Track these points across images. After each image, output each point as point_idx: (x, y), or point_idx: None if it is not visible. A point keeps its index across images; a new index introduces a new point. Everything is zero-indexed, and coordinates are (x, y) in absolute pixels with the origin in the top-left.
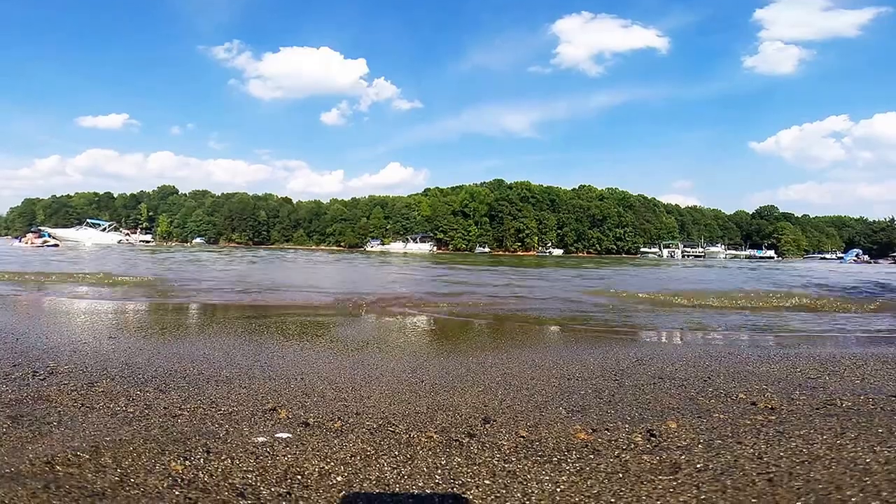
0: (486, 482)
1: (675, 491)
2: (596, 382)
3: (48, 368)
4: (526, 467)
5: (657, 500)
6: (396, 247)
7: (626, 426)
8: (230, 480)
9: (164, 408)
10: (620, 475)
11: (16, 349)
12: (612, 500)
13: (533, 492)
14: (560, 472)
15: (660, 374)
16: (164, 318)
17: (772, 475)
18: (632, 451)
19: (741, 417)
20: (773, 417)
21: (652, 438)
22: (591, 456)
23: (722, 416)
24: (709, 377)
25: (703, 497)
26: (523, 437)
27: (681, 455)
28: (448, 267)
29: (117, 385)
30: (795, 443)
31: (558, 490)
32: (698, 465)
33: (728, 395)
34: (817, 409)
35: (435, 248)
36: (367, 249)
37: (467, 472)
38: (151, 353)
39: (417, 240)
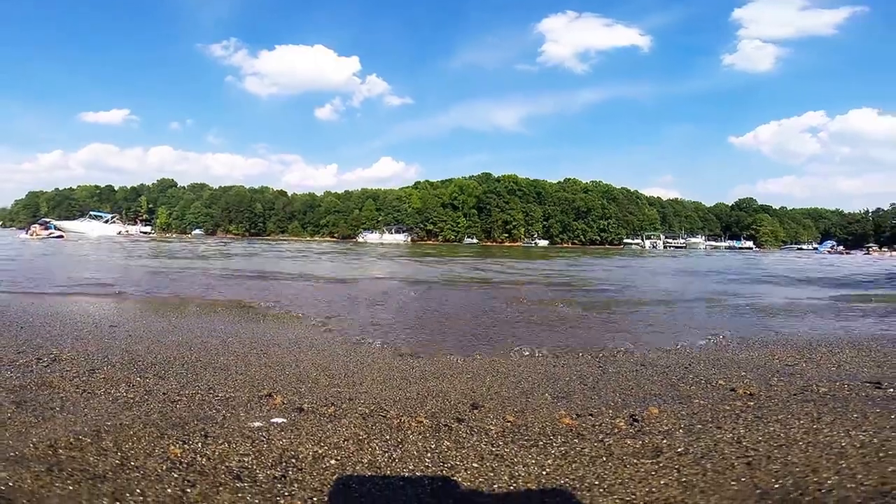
0: (475, 465)
1: (656, 474)
2: (580, 369)
3: (51, 356)
4: (513, 451)
5: (639, 482)
6: (373, 237)
7: (610, 411)
8: (227, 464)
9: (164, 393)
10: (604, 458)
11: (20, 337)
12: (596, 483)
13: (519, 474)
14: (546, 455)
15: (642, 361)
16: (162, 307)
17: (750, 458)
18: (615, 435)
19: (721, 403)
20: (752, 403)
21: (634, 423)
22: (576, 440)
23: (702, 401)
24: (689, 364)
25: (684, 480)
26: (510, 422)
27: (662, 439)
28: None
29: (118, 371)
30: (773, 427)
31: (544, 473)
32: (679, 449)
33: (708, 382)
34: (794, 394)
35: (410, 238)
36: (359, 241)
37: (456, 456)
38: (151, 342)
39: (393, 231)
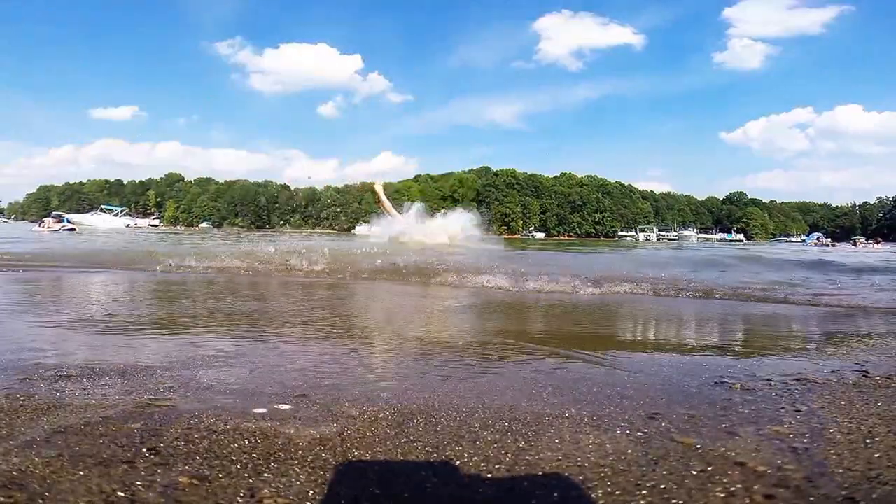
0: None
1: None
2: None
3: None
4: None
5: None
6: (362, 229)
7: None
8: (233, 446)
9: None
10: None
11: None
12: None
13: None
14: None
15: None
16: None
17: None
18: None
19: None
20: (749, 397)
21: None
22: None
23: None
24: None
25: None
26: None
27: None
28: None
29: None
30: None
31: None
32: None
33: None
34: (790, 385)
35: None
36: (353, 233)
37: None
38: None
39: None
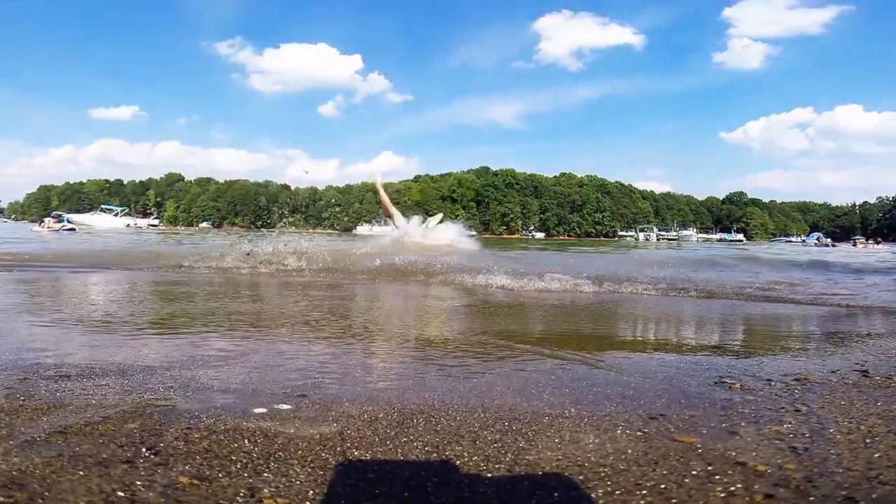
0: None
1: None
2: None
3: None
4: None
5: None
6: (362, 229)
7: None
8: (233, 446)
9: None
10: None
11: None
12: None
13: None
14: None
15: None
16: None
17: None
18: None
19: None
20: (750, 397)
21: None
22: None
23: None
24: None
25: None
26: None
27: None
28: None
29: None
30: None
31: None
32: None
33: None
34: (790, 385)
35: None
36: (355, 233)
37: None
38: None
39: (382, 223)
